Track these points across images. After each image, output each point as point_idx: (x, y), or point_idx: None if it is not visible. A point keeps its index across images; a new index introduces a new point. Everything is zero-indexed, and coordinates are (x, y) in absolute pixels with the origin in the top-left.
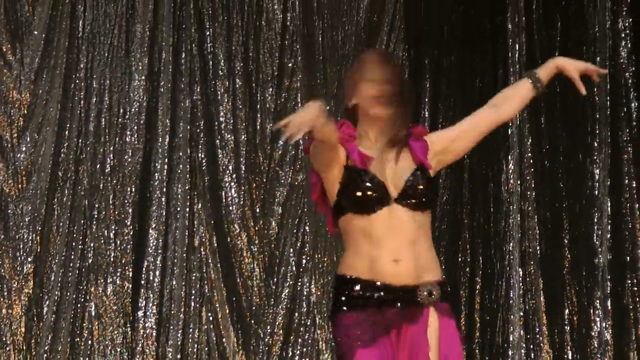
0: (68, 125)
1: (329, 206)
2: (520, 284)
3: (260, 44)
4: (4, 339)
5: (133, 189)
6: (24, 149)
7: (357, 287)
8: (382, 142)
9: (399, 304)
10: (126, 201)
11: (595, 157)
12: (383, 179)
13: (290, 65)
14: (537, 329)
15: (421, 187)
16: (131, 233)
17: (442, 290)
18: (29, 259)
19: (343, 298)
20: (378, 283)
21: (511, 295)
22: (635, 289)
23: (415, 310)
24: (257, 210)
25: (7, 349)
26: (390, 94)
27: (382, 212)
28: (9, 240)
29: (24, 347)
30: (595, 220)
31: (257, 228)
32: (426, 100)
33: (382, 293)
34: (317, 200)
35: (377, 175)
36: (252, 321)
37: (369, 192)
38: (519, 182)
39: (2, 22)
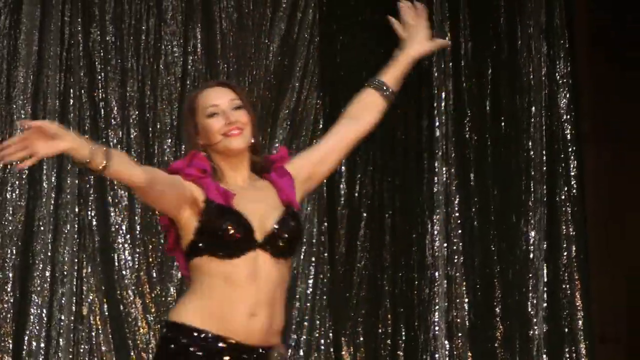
0: None
1: (181, 248)
2: (447, 359)
3: (158, 90)
4: None
5: (14, 251)
6: None
7: (200, 340)
8: (242, 178)
9: None
10: (6, 264)
11: (530, 218)
12: (249, 218)
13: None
14: None
15: (289, 231)
16: (11, 300)
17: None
18: None
19: (178, 350)
20: (228, 339)
21: None
22: None
23: None
24: (154, 274)
25: None
26: (242, 123)
27: (246, 256)
28: None
29: None
30: (530, 287)
31: (153, 295)
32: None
33: (230, 351)
34: (172, 247)
35: (243, 215)
36: None
37: (234, 233)
38: (445, 245)
39: None
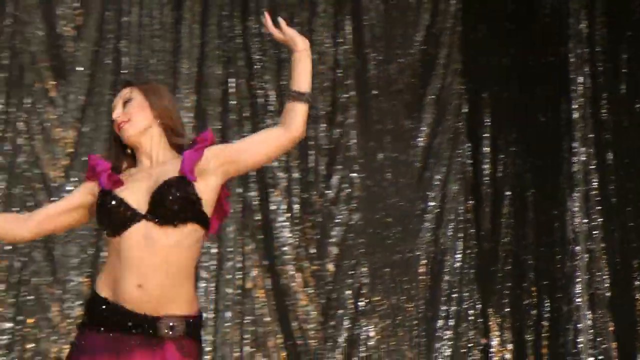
0: None
1: None
2: (590, 329)
3: (311, 79)
4: None
5: None
6: (69, 187)
7: (103, 308)
8: (151, 160)
9: (138, 333)
10: None
11: None
12: (134, 196)
13: (343, 100)
14: None
15: (170, 198)
16: None
17: (187, 326)
18: (78, 302)
19: (87, 317)
20: (122, 307)
21: (580, 340)
22: None
23: (155, 343)
24: (312, 250)
25: None
26: (128, 114)
27: (132, 230)
28: (57, 283)
29: None
30: None
31: (312, 269)
32: (485, 135)
33: (124, 318)
34: None
35: (119, 195)
36: None
37: (108, 214)
38: (585, 221)
39: (45, 59)
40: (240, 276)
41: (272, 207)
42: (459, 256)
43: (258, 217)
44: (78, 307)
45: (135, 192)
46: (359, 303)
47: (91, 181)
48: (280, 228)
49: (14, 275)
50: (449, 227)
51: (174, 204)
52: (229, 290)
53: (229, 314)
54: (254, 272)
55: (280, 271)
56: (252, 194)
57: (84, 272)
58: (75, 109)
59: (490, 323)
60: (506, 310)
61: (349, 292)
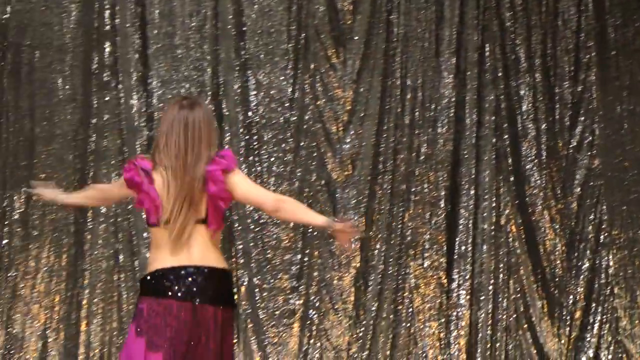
0: (386, 119)
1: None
2: None
3: (557, 42)
4: (337, 307)
5: (445, 175)
6: (348, 140)
7: None
8: None
9: None
10: (439, 185)
11: None
12: None
13: (585, 60)
14: None
15: None
16: (444, 213)
17: None
18: (355, 238)
19: None
20: None
21: None
22: None
23: None
24: (558, 191)
25: (339, 315)
26: None
27: None
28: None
29: (354, 314)
30: None
31: (558, 207)
32: None
33: None
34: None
35: None
36: (556, 291)
37: None
38: None
39: (327, 30)
40: (495, 214)
41: (523, 154)
42: None
43: (509, 162)
44: (356, 241)
45: None
46: (600, 236)
47: None
48: (530, 172)
49: None
50: None
51: None
52: (485, 226)
53: (485, 247)
54: (507, 210)
55: (530, 210)
56: (505, 143)
57: (360, 210)
58: (352, 72)
59: None
60: None
61: (590, 227)
